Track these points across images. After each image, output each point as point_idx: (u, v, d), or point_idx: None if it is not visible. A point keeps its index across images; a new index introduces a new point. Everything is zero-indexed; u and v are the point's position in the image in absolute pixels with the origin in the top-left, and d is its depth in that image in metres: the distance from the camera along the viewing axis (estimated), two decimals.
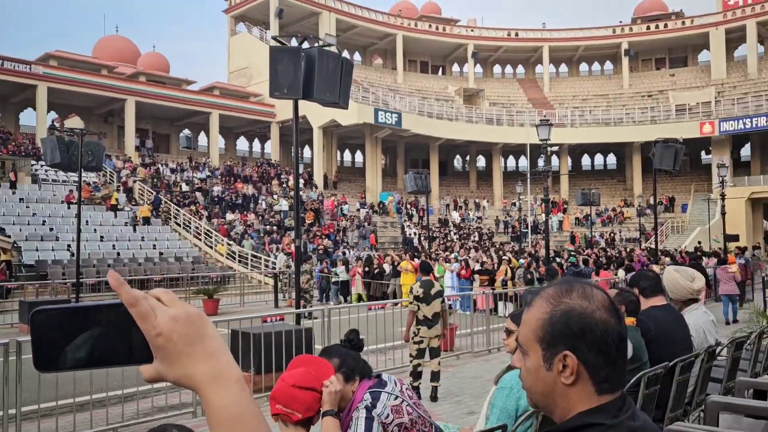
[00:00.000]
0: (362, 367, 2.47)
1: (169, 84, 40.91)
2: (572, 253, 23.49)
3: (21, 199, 25.49)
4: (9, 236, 21.47)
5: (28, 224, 23.36)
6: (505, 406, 2.54)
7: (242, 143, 48.00)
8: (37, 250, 21.60)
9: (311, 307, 15.59)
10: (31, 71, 32.49)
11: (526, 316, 1.08)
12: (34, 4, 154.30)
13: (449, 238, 32.65)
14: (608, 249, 27.22)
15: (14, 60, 32.08)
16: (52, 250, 22.24)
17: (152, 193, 29.79)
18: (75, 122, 36.91)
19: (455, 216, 39.38)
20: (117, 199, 27.60)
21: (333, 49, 9.38)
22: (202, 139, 44.02)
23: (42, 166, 28.75)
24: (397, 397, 2.30)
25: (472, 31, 51.69)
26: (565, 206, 41.71)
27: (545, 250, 19.28)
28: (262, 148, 48.96)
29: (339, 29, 44.30)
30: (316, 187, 37.76)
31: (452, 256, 21.44)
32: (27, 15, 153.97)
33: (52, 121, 35.08)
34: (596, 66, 54.34)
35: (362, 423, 2.22)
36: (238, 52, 44.30)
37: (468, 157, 50.41)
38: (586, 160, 51.55)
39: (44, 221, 24.03)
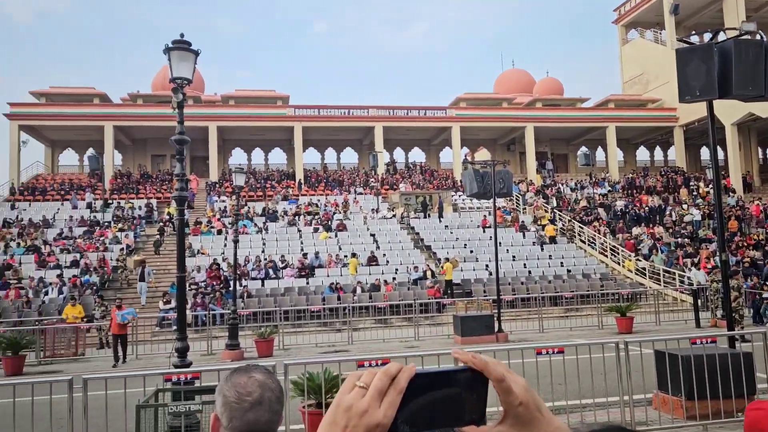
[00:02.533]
0: None
1: (563, 105, 42.01)
2: None
3: (446, 226, 29.47)
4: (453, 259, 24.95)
5: (453, 248, 26.77)
6: None
7: (642, 153, 45.76)
8: (461, 270, 24.55)
9: (742, 328, 13.76)
10: (446, 115, 37.56)
11: None
12: (439, 52, 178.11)
13: None
14: None
15: (434, 108, 37.63)
16: (473, 269, 24.97)
17: (555, 213, 30.82)
18: (483, 154, 40.92)
19: None
20: (551, 221, 29.71)
21: (750, 36, 8.28)
22: (599, 154, 43.61)
23: (460, 196, 32.74)
24: None
25: None
26: None
27: None
28: (665, 156, 45.72)
29: (749, 9, 38.59)
30: (734, 192, 33.30)
31: None
32: (437, 63, 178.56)
33: (465, 156, 39.66)
34: None
35: None
36: (631, 60, 42.69)
37: None
38: None
39: (465, 244, 27.20)
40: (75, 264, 23.76)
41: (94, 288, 21.86)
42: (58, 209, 30.34)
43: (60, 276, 22.21)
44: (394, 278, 23.41)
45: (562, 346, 7.37)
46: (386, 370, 0.79)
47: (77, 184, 34.34)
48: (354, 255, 24.79)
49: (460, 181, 36.06)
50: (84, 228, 27.60)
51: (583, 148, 44.24)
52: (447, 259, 23.68)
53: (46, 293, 21.36)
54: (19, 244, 25.52)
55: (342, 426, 0.78)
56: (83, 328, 17.73)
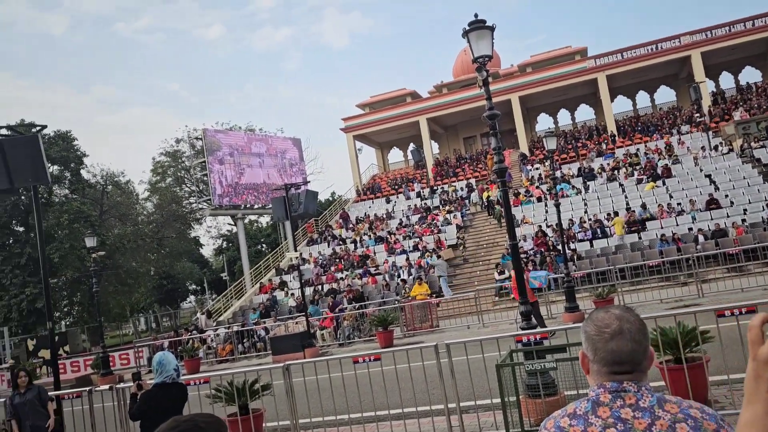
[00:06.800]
0: None
1: None
2: None
3: None
4: None
5: None
6: None
7: None
8: None
9: None
10: None
11: None
12: None
13: None
14: None
15: (764, 15, 31.48)
16: None
17: None
18: None
19: None
20: None
21: None
22: None
23: None
24: None
25: None
26: None
27: None
28: None
29: None
30: None
31: None
32: None
33: None
34: None
35: None
36: None
37: None
38: None
39: None
40: (416, 248, 26.58)
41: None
42: (395, 202, 34.30)
43: (407, 259, 25.12)
44: (743, 220, 20.52)
45: None
46: None
47: (405, 177, 38.30)
48: (617, 214, 23.21)
49: None
50: (418, 215, 30.67)
51: None
52: None
53: (399, 275, 24.38)
54: (370, 236, 29.68)
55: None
56: (433, 303, 19.77)
